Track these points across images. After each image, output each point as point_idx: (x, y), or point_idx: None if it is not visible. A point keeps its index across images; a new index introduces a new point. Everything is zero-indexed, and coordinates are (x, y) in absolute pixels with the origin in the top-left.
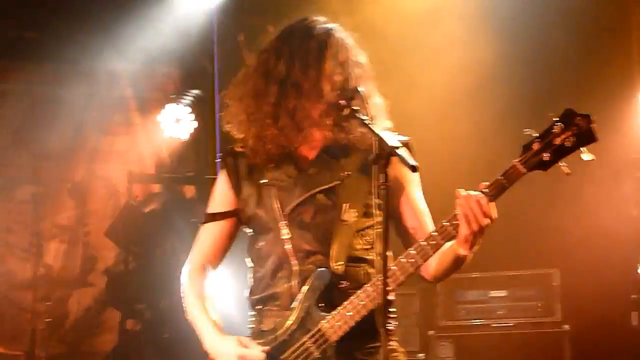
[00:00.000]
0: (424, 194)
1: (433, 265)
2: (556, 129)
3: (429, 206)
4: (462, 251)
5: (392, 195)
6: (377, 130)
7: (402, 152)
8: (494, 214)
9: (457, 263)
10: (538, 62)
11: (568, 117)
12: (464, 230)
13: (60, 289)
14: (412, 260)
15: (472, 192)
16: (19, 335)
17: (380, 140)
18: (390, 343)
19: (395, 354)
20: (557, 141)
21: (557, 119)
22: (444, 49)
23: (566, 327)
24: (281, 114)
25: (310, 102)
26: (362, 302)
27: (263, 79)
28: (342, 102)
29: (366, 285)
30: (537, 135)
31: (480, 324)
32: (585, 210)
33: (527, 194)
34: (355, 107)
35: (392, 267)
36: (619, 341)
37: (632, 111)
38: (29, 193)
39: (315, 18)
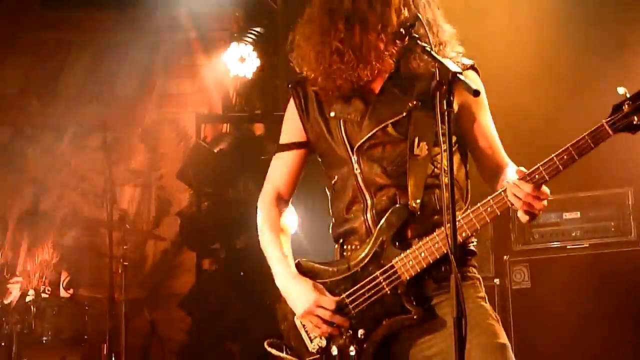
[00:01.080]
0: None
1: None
2: None
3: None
4: (523, 218)
5: (462, 121)
6: (437, 56)
7: (464, 77)
8: (546, 195)
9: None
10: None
11: None
12: (523, 219)
13: (134, 235)
14: (482, 214)
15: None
16: (100, 280)
17: (441, 66)
18: (470, 271)
19: (472, 281)
20: None
21: None
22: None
23: None
24: (348, 49)
25: (376, 35)
26: (436, 245)
27: (328, 16)
28: (402, 30)
29: (442, 228)
30: (630, 96)
31: (555, 247)
32: None
33: (597, 115)
34: (415, 35)
35: (466, 214)
36: None
37: None
38: (100, 140)
39: None
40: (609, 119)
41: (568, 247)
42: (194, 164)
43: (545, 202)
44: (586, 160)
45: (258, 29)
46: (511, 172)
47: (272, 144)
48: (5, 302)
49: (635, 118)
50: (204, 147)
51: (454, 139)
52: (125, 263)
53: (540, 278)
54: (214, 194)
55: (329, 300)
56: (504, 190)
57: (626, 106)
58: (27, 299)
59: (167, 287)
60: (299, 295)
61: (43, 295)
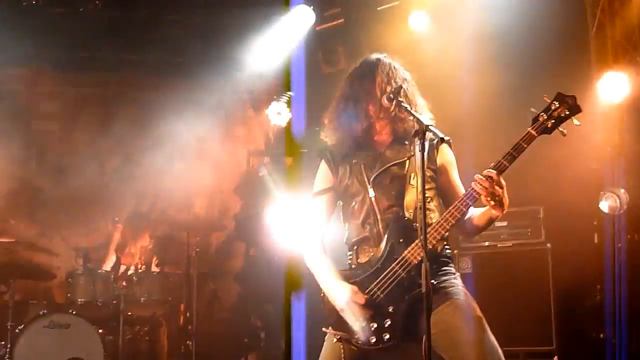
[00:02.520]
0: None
1: (473, 224)
2: (554, 106)
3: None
4: (495, 212)
5: (440, 173)
6: (415, 113)
7: (434, 128)
8: (502, 183)
9: (491, 221)
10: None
11: (560, 98)
12: (485, 202)
13: (203, 231)
14: (452, 215)
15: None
16: (179, 261)
17: (418, 121)
18: (450, 268)
19: (453, 275)
20: (556, 113)
21: (553, 99)
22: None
23: (548, 245)
24: (351, 117)
25: (368, 105)
26: (430, 237)
27: (339, 100)
28: (387, 99)
29: (430, 228)
30: (542, 110)
31: (489, 245)
32: (559, 164)
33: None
34: (399, 100)
35: (439, 220)
36: (585, 254)
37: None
38: (181, 168)
39: (371, 55)
40: (532, 126)
41: (498, 245)
42: (245, 184)
43: (502, 188)
44: (512, 187)
45: (290, 93)
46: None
47: (296, 172)
48: (106, 269)
49: (549, 124)
50: (253, 172)
51: (431, 184)
52: (197, 249)
53: (479, 266)
54: (257, 204)
55: (360, 298)
56: (465, 194)
57: (541, 117)
58: (130, 272)
59: (225, 266)
60: (338, 295)
61: (141, 270)
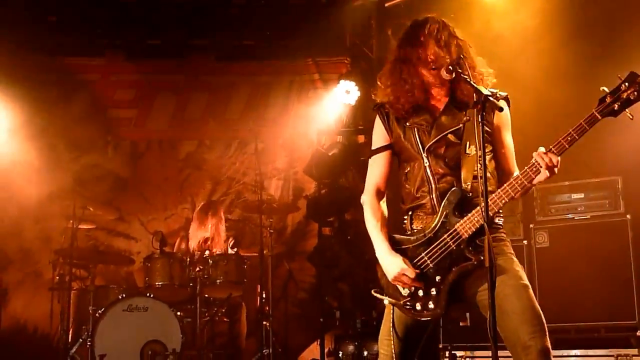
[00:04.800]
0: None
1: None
2: (623, 87)
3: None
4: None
5: (493, 134)
6: (475, 85)
7: (492, 99)
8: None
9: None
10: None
11: (631, 78)
12: (543, 176)
13: (277, 212)
14: (513, 187)
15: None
16: (254, 242)
17: (476, 91)
18: (501, 235)
19: (503, 241)
20: (624, 95)
21: (624, 79)
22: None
23: (628, 216)
24: (406, 82)
25: (423, 70)
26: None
27: (394, 63)
28: (451, 67)
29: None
30: (609, 91)
31: (566, 218)
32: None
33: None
34: (459, 70)
35: (498, 191)
36: None
37: None
38: (254, 148)
39: (428, 16)
40: (597, 108)
41: (575, 218)
42: (316, 163)
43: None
44: (590, 157)
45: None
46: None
47: (369, 149)
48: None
49: (615, 106)
50: (323, 152)
51: (489, 147)
52: (272, 230)
53: (556, 240)
54: (330, 183)
55: (411, 272)
56: (529, 165)
57: (608, 98)
58: (206, 255)
59: (299, 246)
60: (390, 265)
61: (217, 252)
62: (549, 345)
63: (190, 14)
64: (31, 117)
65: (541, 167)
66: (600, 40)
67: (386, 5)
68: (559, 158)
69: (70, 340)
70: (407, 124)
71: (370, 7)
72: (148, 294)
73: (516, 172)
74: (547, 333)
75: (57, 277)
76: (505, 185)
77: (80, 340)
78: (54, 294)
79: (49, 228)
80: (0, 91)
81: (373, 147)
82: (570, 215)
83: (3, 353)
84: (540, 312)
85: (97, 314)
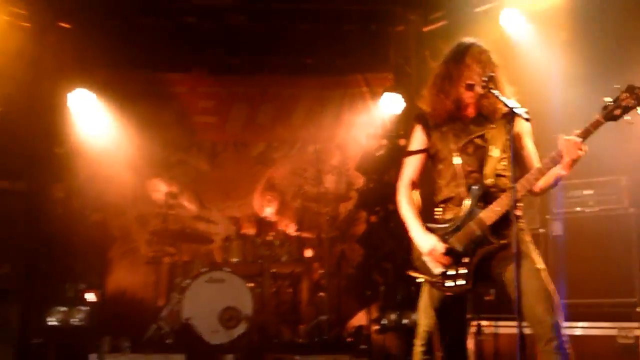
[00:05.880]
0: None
1: (541, 184)
2: (622, 96)
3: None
4: (563, 172)
5: (516, 140)
6: (503, 99)
7: (519, 110)
8: (585, 148)
9: (557, 181)
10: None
11: (630, 89)
12: (567, 159)
13: (332, 202)
14: (535, 175)
15: (569, 137)
16: (313, 227)
17: (506, 104)
18: (521, 224)
19: (522, 230)
20: (624, 103)
21: (625, 89)
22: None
23: (631, 210)
24: (447, 95)
25: (461, 87)
26: (504, 201)
27: (438, 77)
28: (483, 83)
29: (505, 192)
30: (611, 100)
31: (578, 210)
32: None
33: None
34: (490, 87)
35: (519, 181)
36: None
37: None
38: (313, 149)
39: (465, 40)
40: (600, 114)
41: (586, 210)
42: (365, 162)
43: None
44: (599, 159)
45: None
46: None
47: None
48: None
49: (617, 112)
50: (371, 153)
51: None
52: (327, 217)
53: (569, 229)
54: (377, 179)
55: (441, 247)
56: (553, 154)
57: (610, 106)
58: (273, 237)
59: (350, 231)
60: (423, 242)
61: (282, 235)
62: (561, 320)
63: (262, 37)
64: (131, 122)
65: (560, 155)
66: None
67: (424, 30)
68: (586, 149)
69: (161, 305)
70: (443, 129)
71: (410, 31)
72: (225, 269)
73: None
74: (559, 309)
75: (151, 254)
76: (521, 179)
77: (170, 306)
78: (149, 267)
79: (145, 213)
80: (107, 101)
81: (410, 149)
82: (581, 209)
83: (108, 314)
84: (554, 291)
85: (183, 284)
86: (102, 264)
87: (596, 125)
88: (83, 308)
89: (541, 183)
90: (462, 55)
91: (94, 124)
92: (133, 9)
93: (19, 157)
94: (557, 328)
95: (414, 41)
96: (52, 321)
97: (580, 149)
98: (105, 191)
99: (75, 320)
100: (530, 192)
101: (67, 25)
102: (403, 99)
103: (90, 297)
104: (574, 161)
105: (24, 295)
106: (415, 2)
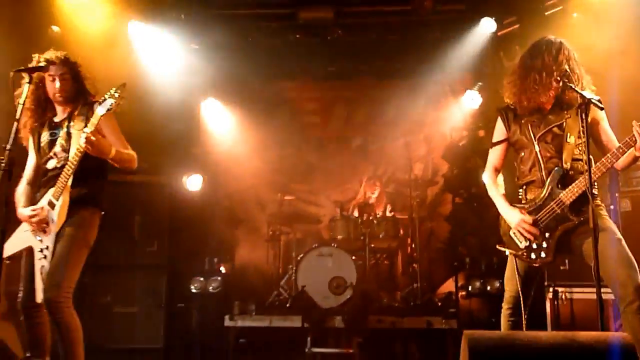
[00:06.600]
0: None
1: (621, 163)
2: None
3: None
4: (638, 154)
5: (592, 126)
6: (580, 91)
7: (594, 100)
8: None
9: (635, 160)
10: None
11: None
12: (636, 149)
13: (421, 186)
14: (610, 159)
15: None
16: (404, 208)
17: (582, 95)
18: (597, 201)
19: (599, 206)
20: None
21: None
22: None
23: None
24: (532, 86)
25: (548, 78)
26: (581, 182)
27: (522, 69)
28: (556, 81)
29: (583, 176)
30: None
31: None
32: None
33: None
34: (566, 81)
35: (597, 164)
36: None
37: None
38: (403, 142)
39: (549, 37)
40: None
41: None
42: (450, 151)
43: None
44: None
45: (480, 83)
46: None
47: (489, 142)
48: (356, 215)
49: None
50: (455, 143)
51: (584, 137)
52: (417, 200)
53: (637, 205)
54: (460, 165)
55: (529, 218)
56: (626, 139)
57: None
58: (371, 217)
59: (437, 211)
60: (512, 216)
61: (379, 215)
62: None
63: (356, 47)
64: (251, 124)
65: (633, 140)
66: None
67: (498, 34)
68: None
69: (280, 275)
70: (522, 121)
71: (487, 35)
72: (333, 244)
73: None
74: (638, 272)
75: (270, 232)
76: (598, 162)
77: (287, 275)
78: (268, 244)
79: (264, 198)
80: (232, 107)
81: (493, 140)
82: None
83: (237, 283)
84: (632, 257)
85: (298, 258)
86: (231, 242)
87: None
88: (217, 278)
89: (621, 162)
90: (557, 51)
91: (222, 127)
92: (250, 30)
93: (163, 155)
94: (639, 290)
95: (490, 44)
96: (193, 289)
97: None
98: (232, 182)
99: (211, 287)
100: (614, 169)
101: (196, 46)
102: (481, 96)
103: (222, 268)
104: None
105: (169, 268)
106: (490, 9)
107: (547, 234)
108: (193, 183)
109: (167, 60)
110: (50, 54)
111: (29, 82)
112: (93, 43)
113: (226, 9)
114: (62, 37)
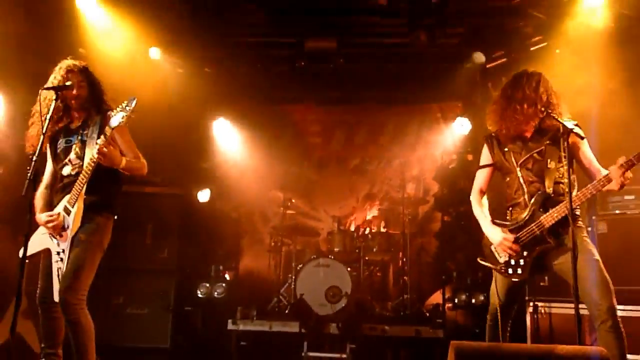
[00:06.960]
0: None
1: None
2: None
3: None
4: (616, 189)
5: (573, 150)
6: (561, 120)
7: (575, 129)
8: (629, 176)
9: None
10: None
11: None
12: (615, 186)
13: (413, 205)
14: (591, 190)
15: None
16: (397, 224)
17: (563, 125)
18: (579, 223)
19: (581, 227)
20: None
21: None
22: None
23: None
24: (513, 116)
25: (530, 109)
26: (561, 210)
27: (504, 100)
28: (543, 108)
29: (563, 202)
30: None
31: (619, 213)
32: None
33: None
34: (549, 111)
35: (577, 193)
36: None
37: None
38: (397, 163)
39: (529, 70)
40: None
41: (627, 213)
42: (440, 173)
43: (628, 180)
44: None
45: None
46: (604, 172)
47: (476, 165)
48: (351, 229)
49: None
50: (445, 165)
51: (565, 162)
52: (409, 217)
53: (613, 229)
54: (449, 186)
55: (510, 236)
56: (604, 176)
57: None
58: (366, 232)
59: (427, 228)
60: (494, 234)
61: (373, 230)
62: (615, 303)
63: (356, 75)
64: (258, 143)
65: (608, 179)
66: None
67: (487, 66)
68: (630, 176)
69: (281, 283)
70: (506, 149)
71: (476, 67)
72: (330, 256)
73: (602, 172)
74: (613, 294)
75: (273, 243)
76: (578, 192)
77: (287, 284)
78: (270, 254)
79: (268, 212)
80: (240, 127)
81: (480, 164)
82: (623, 211)
83: (241, 289)
84: (609, 278)
85: (297, 268)
86: (236, 251)
87: (638, 158)
88: (222, 284)
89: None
90: (537, 84)
91: (231, 145)
92: (258, 57)
93: (175, 169)
94: (612, 311)
95: (479, 76)
96: (199, 294)
97: (626, 179)
98: (238, 195)
99: (216, 293)
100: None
101: (209, 70)
102: (470, 123)
103: (227, 276)
104: (622, 185)
105: (178, 273)
106: (480, 43)
107: (524, 253)
108: (202, 195)
109: (182, 83)
110: (69, 62)
111: (56, 100)
112: (116, 65)
113: (239, 37)
114: (88, 58)
